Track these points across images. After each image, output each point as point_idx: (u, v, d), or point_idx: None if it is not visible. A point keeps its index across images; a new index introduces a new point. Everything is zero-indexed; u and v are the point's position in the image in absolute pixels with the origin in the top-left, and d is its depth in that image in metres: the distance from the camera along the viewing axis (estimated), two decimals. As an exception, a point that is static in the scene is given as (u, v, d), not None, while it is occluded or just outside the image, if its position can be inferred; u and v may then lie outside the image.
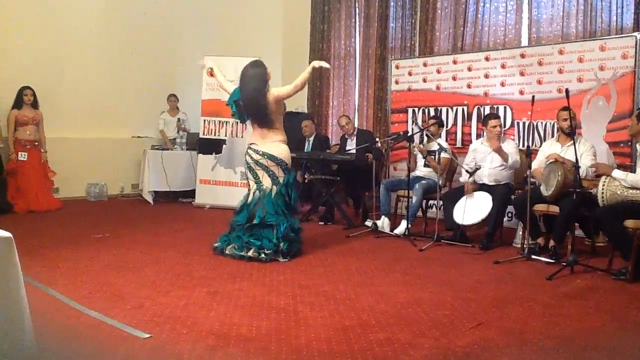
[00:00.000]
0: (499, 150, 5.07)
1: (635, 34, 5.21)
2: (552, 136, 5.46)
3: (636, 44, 5.12)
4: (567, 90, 4.27)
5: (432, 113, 6.62)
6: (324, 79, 8.56)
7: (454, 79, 6.54)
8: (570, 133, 4.54)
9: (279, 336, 2.75)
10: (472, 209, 4.96)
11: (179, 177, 7.75)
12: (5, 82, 6.68)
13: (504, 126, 5.95)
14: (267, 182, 4.48)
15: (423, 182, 5.59)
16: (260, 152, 4.47)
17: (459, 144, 6.44)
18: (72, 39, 7.49)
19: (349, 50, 8.39)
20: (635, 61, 5.12)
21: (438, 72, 6.70)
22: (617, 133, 5.21)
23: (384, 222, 5.68)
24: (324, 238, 5.36)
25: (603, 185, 4.12)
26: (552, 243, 4.60)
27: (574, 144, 4.31)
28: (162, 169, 7.54)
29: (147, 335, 2.70)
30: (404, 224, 5.45)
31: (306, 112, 8.55)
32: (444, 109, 6.61)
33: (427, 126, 5.87)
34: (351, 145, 6.48)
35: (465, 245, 4.97)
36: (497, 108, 6.11)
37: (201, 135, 7.51)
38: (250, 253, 4.30)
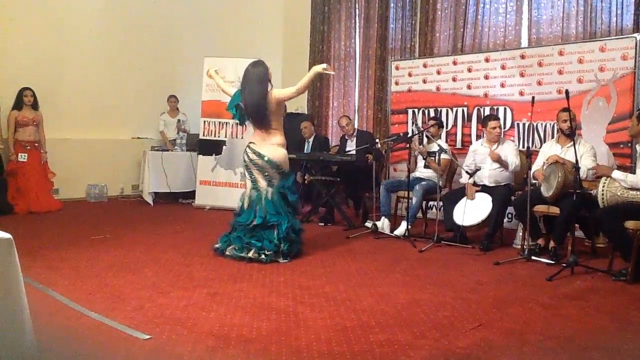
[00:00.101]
0: (499, 160, 5.07)
1: (635, 35, 5.22)
2: (552, 137, 5.47)
3: (636, 45, 5.12)
4: (567, 91, 4.27)
5: (432, 114, 6.62)
6: (324, 80, 8.56)
7: (454, 80, 6.54)
8: (570, 134, 4.54)
9: (279, 337, 2.75)
10: (472, 210, 4.96)
11: (179, 178, 7.74)
12: (5, 82, 6.69)
13: (504, 127, 5.96)
14: (262, 183, 4.49)
15: (423, 183, 5.59)
16: (257, 153, 4.47)
17: (459, 145, 6.44)
18: (72, 40, 7.49)
19: (349, 51, 8.39)
20: (635, 62, 5.12)
21: (438, 73, 6.70)
22: (617, 134, 5.21)
23: (384, 223, 5.68)
24: (324, 239, 5.36)
25: (603, 186, 4.12)
26: (552, 244, 4.60)
27: (574, 145, 4.31)
28: (162, 170, 7.53)
29: (147, 337, 2.70)
30: (404, 225, 5.45)
31: (306, 113, 8.56)
32: (444, 110, 6.62)
33: (427, 127, 5.87)
34: (351, 146, 6.49)
35: (465, 246, 4.97)
36: (497, 109, 6.11)
37: (201, 137, 7.51)
38: (250, 254, 4.30)
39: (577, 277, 3.99)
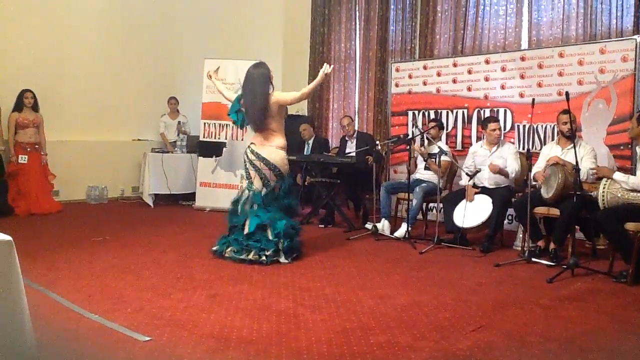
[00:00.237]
0: (500, 172, 5.06)
1: (635, 36, 5.22)
2: (552, 139, 5.47)
3: (636, 47, 5.12)
4: (567, 93, 4.27)
5: (432, 116, 6.62)
6: (324, 82, 8.54)
7: (454, 81, 6.54)
8: (571, 136, 4.54)
9: (280, 339, 2.75)
10: (473, 212, 4.96)
11: (179, 180, 7.74)
12: (5, 84, 6.70)
13: (504, 129, 5.96)
14: (257, 183, 4.50)
15: (423, 184, 5.59)
16: (256, 154, 4.48)
17: (459, 147, 6.44)
18: (72, 42, 7.50)
19: (349, 53, 8.39)
20: (635, 64, 5.13)
21: (438, 74, 6.70)
22: (618, 136, 5.21)
23: (384, 225, 5.68)
24: (324, 241, 5.35)
25: (604, 187, 4.12)
26: (552, 246, 4.60)
27: (574, 147, 4.31)
28: (163, 171, 7.53)
29: (147, 338, 2.70)
30: (404, 227, 5.45)
31: (306, 115, 8.56)
32: (444, 112, 6.62)
33: (427, 129, 5.88)
34: (351, 148, 6.49)
35: (465, 248, 4.96)
36: (497, 111, 6.12)
37: (201, 138, 7.52)
38: (250, 256, 4.30)
39: (578, 279, 3.99)
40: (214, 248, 4.55)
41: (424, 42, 7.38)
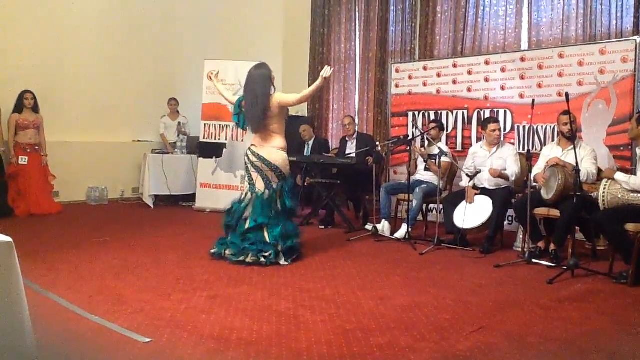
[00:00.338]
0: (500, 176, 5.06)
1: (635, 37, 5.22)
2: (553, 140, 5.47)
3: (636, 48, 5.12)
4: (567, 94, 4.27)
5: (433, 117, 6.63)
6: (325, 84, 8.54)
7: (454, 82, 6.55)
8: (571, 137, 4.54)
9: (280, 340, 2.74)
10: (473, 213, 4.96)
11: (179, 181, 7.75)
12: (5, 85, 6.70)
13: (504, 130, 5.97)
14: (260, 185, 4.49)
15: (423, 185, 5.59)
16: (257, 155, 4.48)
17: (459, 148, 6.44)
18: (72, 43, 7.50)
19: (349, 54, 8.40)
20: (635, 65, 5.13)
21: (438, 75, 6.71)
22: (618, 137, 5.21)
23: (384, 226, 5.68)
24: (324, 242, 5.35)
25: (604, 188, 4.12)
26: (552, 247, 4.60)
27: (575, 148, 4.31)
28: (163, 172, 7.54)
29: (148, 340, 2.70)
30: (404, 228, 5.45)
31: (306, 115, 8.56)
32: (444, 113, 6.62)
33: (427, 130, 5.88)
34: (351, 149, 6.50)
35: (465, 249, 4.96)
36: (497, 112, 6.12)
37: (201, 139, 7.52)
38: (249, 259, 4.29)
39: (578, 280, 3.98)
40: (212, 251, 4.55)
41: (424, 43, 7.38)
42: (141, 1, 8.19)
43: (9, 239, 1.93)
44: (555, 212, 4.55)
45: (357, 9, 8.29)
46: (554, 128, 5.56)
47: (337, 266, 4.38)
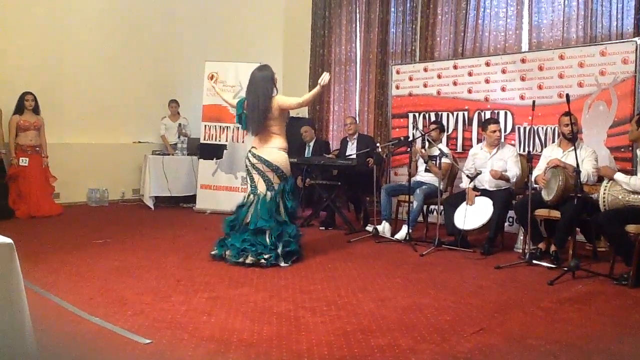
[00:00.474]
0: (501, 177, 5.06)
1: (636, 39, 5.22)
2: (553, 141, 5.47)
3: (636, 49, 5.12)
4: (567, 96, 4.27)
5: (433, 118, 6.63)
6: (325, 84, 8.55)
7: (455, 84, 6.55)
8: (572, 138, 4.54)
9: (280, 341, 2.74)
10: (473, 214, 4.96)
11: (179, 182, 7.75)
12: (5, 85, 6.71)
13: (505, 131, 5.97)
14: (261, 186, 4.49)
15: (424, 187, 5.59)
16: (258, 157, 4.49)
17: (459, 149, 6.44)
18: (72, 44, 7.51)
19: (350, 56, 8.40)
20: (636, 66, 5.12)
21: (439, 77, 6.71)
22: (618, 138, 5.21)
23: (384, 227, 5.68)
24: (325, 243, 5.35)
25: (604, 190, 4.12)
26: (553, 248, 4.60)
27: (575, 149, 4.30)
28: (163, 174, 7.54)
29: (148, 341, 2.70)
30: (404, 229, 5.44)
31: (307, 117, 8.57)
32: (444, 114, 6.62)
33: (428, 131, 5.88)
34: (351, 150, 6.51)
35: (466, 250, 4.96)
36: (498, 113, 6.11)
37: (202, 141, 7.52)
38: (248, 260, 4.29)
39: (579, 281, 3.98)
40: (213, 252, 4.55)
41: (424, 44, 7.39)
42: (141, 2, 8.19)
43: (9, 240, 1.93)
44: (556, 214, 4.55)
45: (357, 11, 8.30)
46: (554, 129, 5.56)
47: (338, 267, 4.38)
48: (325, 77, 4.39)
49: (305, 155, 6.82)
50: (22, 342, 1.95)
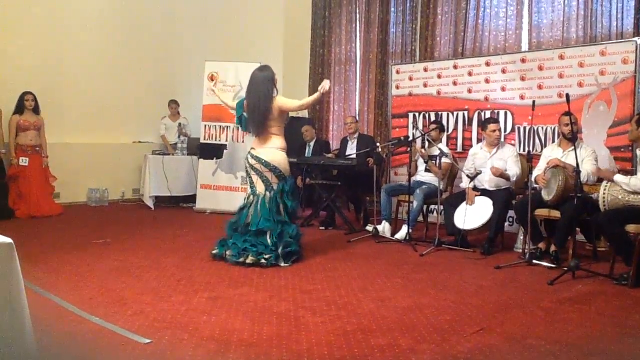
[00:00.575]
0: (501, 175, 5.06)
1: (636, 38, 5.22)
2: (553, 141, 5.48)
3: (636, 49, 5.12)
4: (567, 95, 4.27)
5: (433, 118, 6.63)
6: (325, 97, 8.56)
7: (455, 83, 6.55)
8: (572, 138, 4.54)
9: (280, 341, 2.74)
10: (473, 214, 4.96)
11: (179, 182, 7.75)
12: (5, 85, 6.71)
13: (505, 131, 5.97)
14: (260, 187, 4.49)
15: (424, 187, 5.59)
16: (257, 158, 4.49)
17: (459, 149, 6.44)
18: (72, 44, 7.51)
19: (350, 55, 8.40)
20: (636, 66, 5.12)
21: (439, 77, 6.71)
22: (618, 138, 5.21)
23: (384, 227, 5.68)
24: (324, 243, 5.35)
25: (604, 189, 4.12)
26: (553, 248, 4.59)
27: (575, 149, 4.30)
28: (163, 173, 7.54)
29: (148, 341, 2.70)
30: (404, 229, 5.45)
31: (307, 117, 8.57)
32: (444, 114, 6.62)
33: (427, 131, 5.88)
34: (351, 149, 6.51)
35: (466, 250, 4.96)
36: (498, 113, 6.11)
37: (202, 140, 7.52)
38: (248, 260, 4.29)
39: (579, 281, 3.98)
40: (213, 252, 4.55)
41: (424, 44, 7.39)
42: (141, 2, 8.20)
43: (9, 240, 1.93)
44: (556, 213, 4.55)
45: (357, 11, 8.30)
46: (554, 129, 5.56)
47: (338, 267, 4.38)
48: (325, 85, 4.40)
49: (306, 155, 6.82)
50: (22, 342, 1.95)
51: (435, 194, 5.36)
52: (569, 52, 5.64)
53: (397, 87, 7.13)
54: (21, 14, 7.05)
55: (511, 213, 5.37)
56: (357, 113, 8.25)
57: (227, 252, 4.42)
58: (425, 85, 6.83)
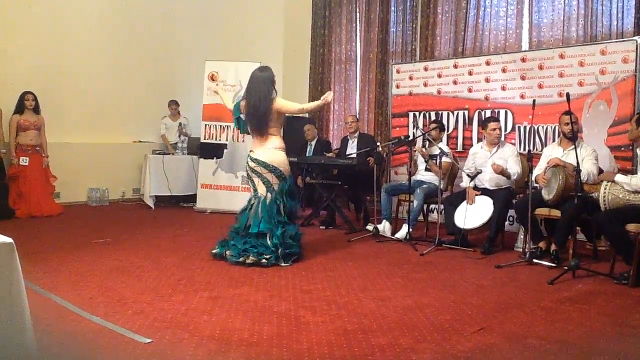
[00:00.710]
0: (502, 172, 5.05)
1: (636, 38, 5.22)
2: (553, 140, 5.47)
3: (637, 48, 5.12)
4: (568, 94, 4.27)
5: (433, 117, 6.63)
6: (325, 84, 8.57)
7: (455, 83, 6.54)
8: (572, 137, 4.54)
9: (281, 341, 2.74)
10: (474, 213, 4.96)
11: (180, 181, 7.75)
12: (6, 85, 6.71)
13: (505, 130, 5.97)
14: (261, 189, 4.48)
15: (424, 186, 5.59)
16: (256, 160, 4.48)
17: (460, 148, 6.44)
18: (72, 43, 7.52)
19: (350, 55, 8.40)
20: (636, 65, 5.12)
21: (439, 76, 6.71)
22: (618, 137, 5.21)
23: (385, 227, 5.68)
24: (325, 242, 5.35)
25: (605, 189, 4.12)
26: (553, 247, 4.59)
27: (575, 148, 4.30)
28: (164, 173, 7.55)
29: (148, 340, 2.70)
30: (405, 228, 5.44)
31: (307, 116, 8.56)
32: (444, 113, 6.62)
33: (428, 130, 5.88)
34: (352, 149, 6.50)
35: (466, 250, 4.96)
36: (498, 112, 6.11)
37: (202, 140, 7.52)
38: (249, 260, 4.28)
39: (579, 281, 3.98)
40: (214, 251, 4.55)
41: (424, 43, 7.39)
42: (141, 2, 8.20)
43: (10, 239, 1.94)
44: (556, 213, 4.55)
45: (357, 10, 8.30)
46: (554, 128, 5.56)
47: (338, 267, 4.38)
48: (328, 97, 4.46)
49: (307, 154, 6.82)
50: (23, 341, 1.95)
51: (435, 193, 5.36)
52: (569, 52, 5.64)
53: (397, 87, 7.13)
54: (21, 14, 7.05)
55: (511, 212, 5.37)
56: (357, 112, 8.25)
57: (227, 252, 4.42)
58: (425, 85, 6.83)
